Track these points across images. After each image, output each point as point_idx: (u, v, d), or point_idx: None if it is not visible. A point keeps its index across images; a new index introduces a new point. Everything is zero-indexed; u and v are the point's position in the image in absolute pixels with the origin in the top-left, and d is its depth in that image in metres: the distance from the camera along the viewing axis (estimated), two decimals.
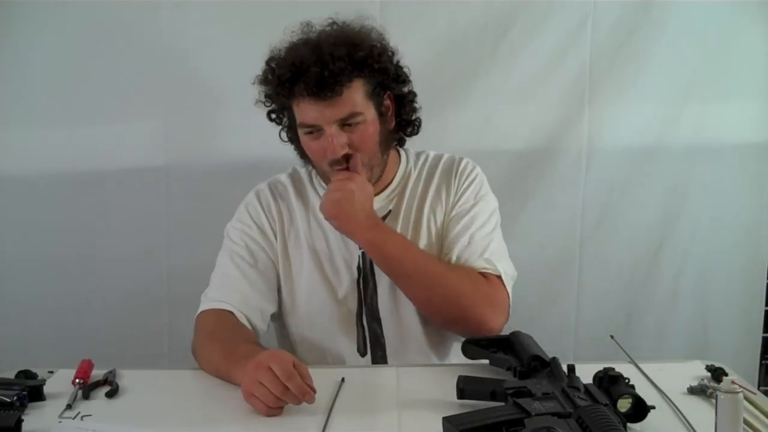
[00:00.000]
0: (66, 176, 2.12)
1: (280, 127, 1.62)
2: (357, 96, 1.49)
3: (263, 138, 2.07)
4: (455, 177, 1.63)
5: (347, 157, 1.50)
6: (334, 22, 1.54)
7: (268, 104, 1.59)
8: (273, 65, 1.52)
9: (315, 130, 1.50)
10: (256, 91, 1.60)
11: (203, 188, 2.13)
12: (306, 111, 1.48)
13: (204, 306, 1.54)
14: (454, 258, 1.55)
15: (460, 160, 1.66)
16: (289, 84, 1.47)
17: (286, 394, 1.21)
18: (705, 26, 2.14)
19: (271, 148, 2.00)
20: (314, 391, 1.23)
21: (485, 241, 1.57)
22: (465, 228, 1.58)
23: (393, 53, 1.57)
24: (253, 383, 1.22)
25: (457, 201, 1.61)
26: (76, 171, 2.12)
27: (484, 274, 1.54)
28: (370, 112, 1.51)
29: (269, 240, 1.60)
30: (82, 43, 2.06)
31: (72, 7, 2.05)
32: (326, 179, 1.59)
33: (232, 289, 1.54)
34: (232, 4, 2.06)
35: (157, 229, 2.16)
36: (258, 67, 1.57)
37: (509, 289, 1.56)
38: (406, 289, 1.53)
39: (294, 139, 1.62)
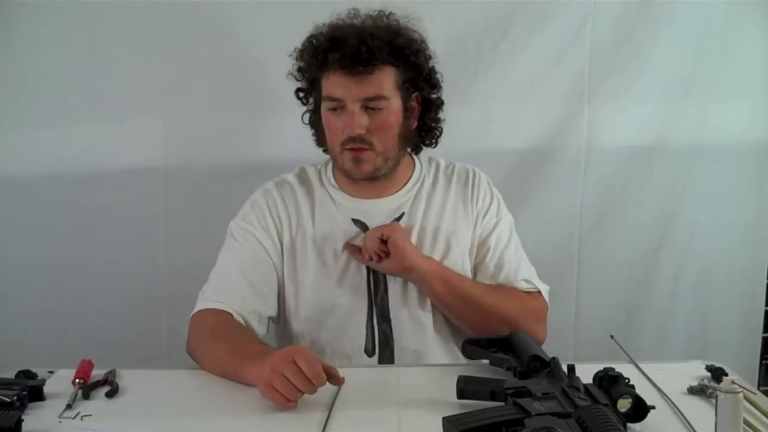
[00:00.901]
0: (65, 176, 2.11)
1: (304, 109, 1.64)
2: (387, 81, 1.51)
3: (263, 138, 2.09)
4: (473, 192, 1.65)
5: (362, 140, 1.51)
6: (381, 11, 1.57)
7: (299, 78, 1.60)
8: (313, 38, 1.54)
9: (339, 106, 1.51)
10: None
11: (202, 189, 2.13)
12: (334, 84, 1.50)
13: (201, 305, 1.52)
14: (492, 279, 1.61)
15: (476, 173, 1.68)
16: (325, 53, 1.49)
17: (311, 389, 1.22)
18: (705, 26, 2.14)
19: (270, 148, 2.01)
20: (343, 380, 1.27)
21: (515, 260, 1.64)
22: (494, 249, 1.62)
23: (430, 56, 1.60)
24: (275, 375, 1.22)
25: (482, 219, 1.64)
26: (75, 171, 2.11)
27: (527, 292, 1.62)
28: (395, 102, 1.53)
29: (273, 242, 1.58)
30: (82, 43, 2.06)
31: (72, 6, 2.04)
32: (337, 162, 1.58)
33: (231, 291, 1.52)
34: (232, 3, 2.06)
35: (156, 229, 2.16)
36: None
37: (547, 301, 1.65)
38: (458, 312, 1.56)
39: (314, 124, 1.63)
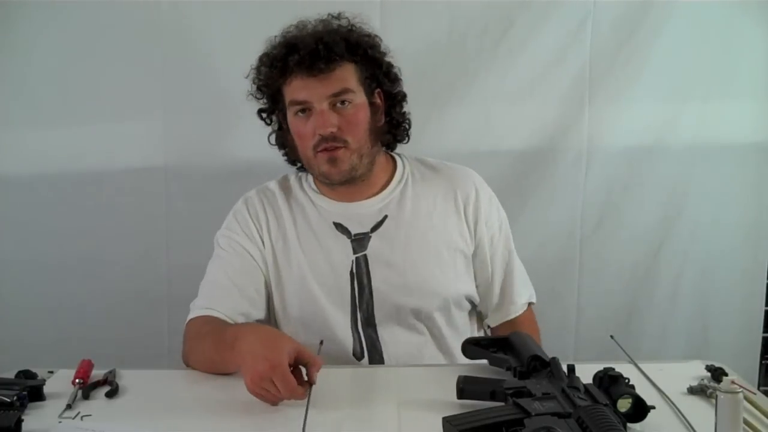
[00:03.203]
0: (65, 176, 2.12)
1: (271, 128, 1.64)
2: (349, 76, 1.51)
3: (263, 138, 2.08)
4: (472, 191, 1.62)
5: (335, 139, 1.50)
6: (330, 14, 1.57)
7: (259, 96, 1.60)
8: (267, 49, 1.55)
9: (306, 108, 1.51)
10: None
11: (202, 188, 2.13)
12: (297, 88, 1.50)
13: (192, 314, 1.53)
14: (497, 291, 1.63)
15: (470, 171, 1.67)
16: (283, 59, 1.49)
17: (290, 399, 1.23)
18: (705, 26, 2.13)
19: (270, 148, 2.00)
20: (311, 383, 1.25)
21: (519, 267, 1.66)
22: (503, 257, 1.64)
23: (385, 52, 1.59)
24: (258, 388, 1.23)
25: (486, 221, 1.62)
26: (75, 171, 2.12)
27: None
28: (360, 97, 1.53)
29: (258, 247, 1.59)
30: (82, 42, 2.06)
31: (72, 6, 2.04)
32: (311, 167, 1.57)
33: (219, 297, 1.52)
34: (231, 3, 2.06)
35: (157, 229, 2.16)
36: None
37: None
38: None
39: (282, 143, 1.64)
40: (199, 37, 2.08)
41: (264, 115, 1.63)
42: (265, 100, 1.61)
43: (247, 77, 1.59)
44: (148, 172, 2.13)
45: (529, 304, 1.67)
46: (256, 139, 2.08)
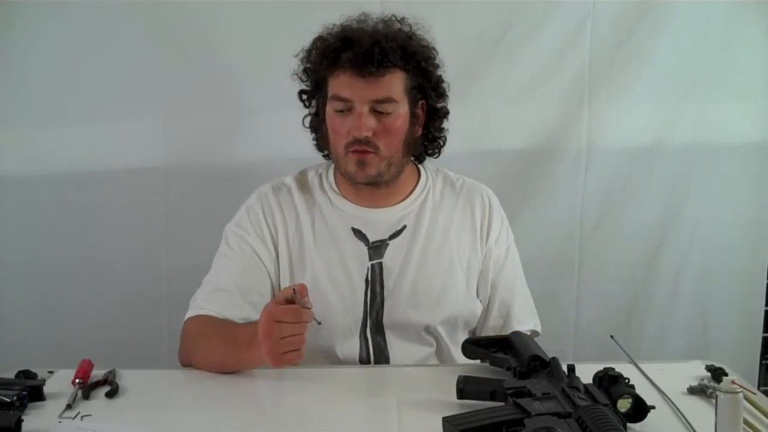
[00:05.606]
0: (65, 176, 2.11)
1: (306, 112, 1.62)
2: (396, 85, 1.49)
3: (264, 138, 2.09)
4: (486, 209, 1.62)
5: (368, 143, 1.48)
6: (393, 15, 1.55)
7: (304, 78, 1.58)
8: (322, 38, 1.53)
9: (346, 108, 1.49)
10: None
11: (203, 189, 2.13)
12: (343, 84, 1.48)
13: (192, 312, 1.52)
14: (494, 314, 1.61)
15: (487, 189, 1.66)
16: (336, 52, 1.47)
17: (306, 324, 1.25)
18: (705, 26, 2.14)
19: (271, 148, 2.01)
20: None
21: (523, 295, 1.64)
22: (507, 281, 1.62)
23: (439, 65, 1.58)
24: (276, 350, 1.24)
25: (495, 241, 1.61)
26: (75, 171, 2.11)
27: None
28: (403, 107, 1.51)
29: (268, 249, 1.56)
30: (82, 42, 2.06)
31: (72, 6, 2.04)
32: (340, 165, 1.55)
33: (221, 300, 1.51)
34: (232, 4, 2.06)
35: (157, 229, 2.16)
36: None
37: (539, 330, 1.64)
38: None
39: (316, 128, 1.61)
40: (199, 37, 2.07)
41: (304, 97, 1.61)
42: (308, 83, 1.58)
43: (295, 56, 1.57)
44: (148, 172, 2.12)
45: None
46: (256, 139, 2.10)
